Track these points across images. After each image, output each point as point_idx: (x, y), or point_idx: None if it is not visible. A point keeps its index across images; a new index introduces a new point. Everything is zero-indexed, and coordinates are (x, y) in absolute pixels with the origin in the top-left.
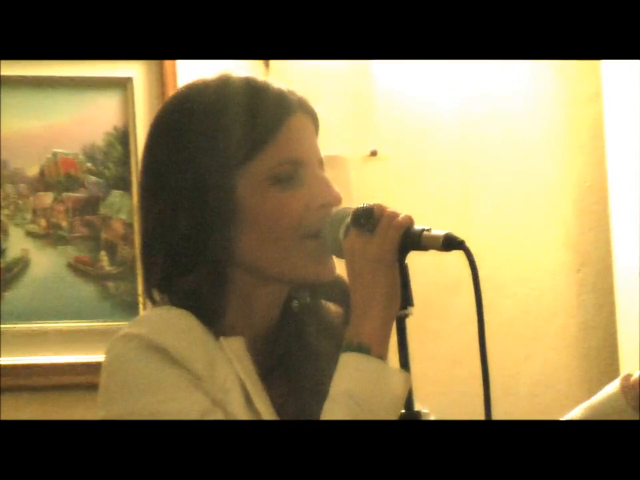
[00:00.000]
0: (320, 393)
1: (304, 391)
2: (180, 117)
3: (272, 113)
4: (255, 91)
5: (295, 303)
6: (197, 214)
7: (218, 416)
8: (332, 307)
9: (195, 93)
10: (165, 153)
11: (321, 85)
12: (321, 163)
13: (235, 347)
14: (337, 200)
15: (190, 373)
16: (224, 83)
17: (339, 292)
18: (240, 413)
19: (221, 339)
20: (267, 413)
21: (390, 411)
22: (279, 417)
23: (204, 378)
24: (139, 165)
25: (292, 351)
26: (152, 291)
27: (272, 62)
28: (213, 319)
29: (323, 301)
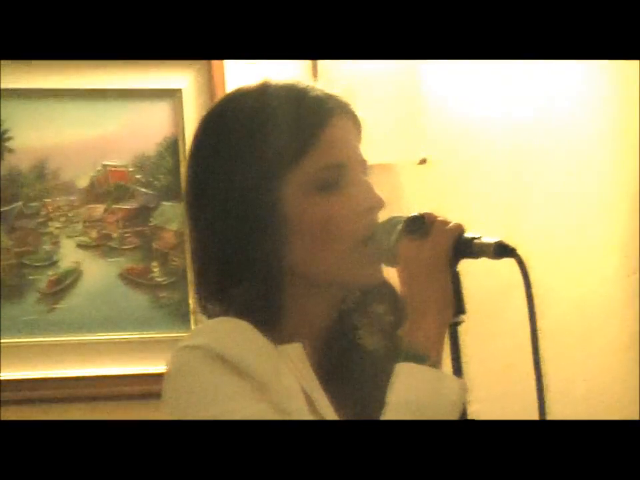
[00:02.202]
0: (375, 394)
1: (360, 393)
2: (222, 127)
3: (312, 118)
4: (294, 96)
5: (345, 306)
6: (246, 223)
7: None
8: (381, 308)
9: (236, 102)
10: (209, 163)
11: (369, 91)
12: (364, 165)
13: (294, 354)
14: (381, 203)
15: (255, 382)
16: (263, 91)
17: (388, 294)
18: (305, 419)
19: (280, 346)
20: (331, 418)
21: (447, 419)
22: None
23: (269, 386)
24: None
25: (347, 353)
26: (204, 302)
27: (319, 68)
28: (270, 327)
29: (373, 303)
